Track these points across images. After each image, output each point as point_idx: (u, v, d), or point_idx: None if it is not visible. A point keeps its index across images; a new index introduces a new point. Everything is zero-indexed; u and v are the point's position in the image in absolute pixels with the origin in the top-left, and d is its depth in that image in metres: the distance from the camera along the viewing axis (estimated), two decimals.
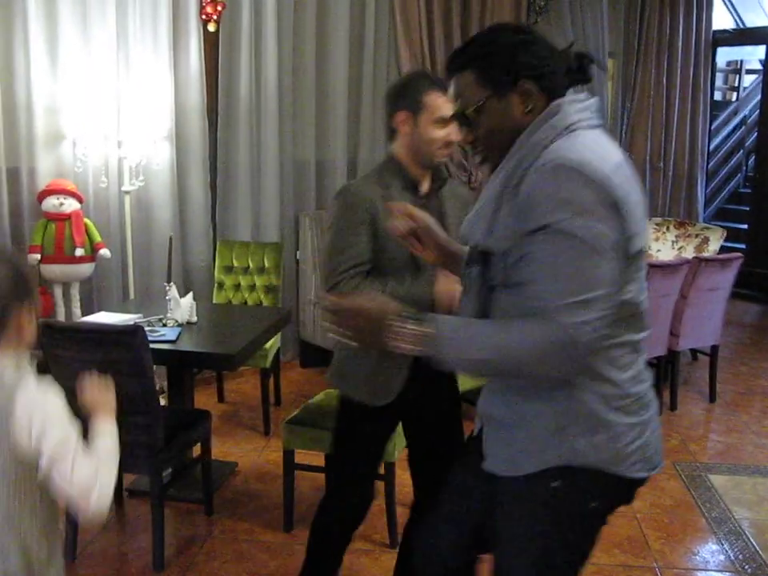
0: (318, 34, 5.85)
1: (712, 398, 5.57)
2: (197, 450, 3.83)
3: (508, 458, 1.83)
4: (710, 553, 3.63)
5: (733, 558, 3.56)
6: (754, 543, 3.67)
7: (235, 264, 5.14)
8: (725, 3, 10.34)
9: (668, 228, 6.71)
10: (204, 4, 5.14)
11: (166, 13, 5.00)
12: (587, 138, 1.71)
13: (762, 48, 9.41)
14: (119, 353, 3.08)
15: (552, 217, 1.59)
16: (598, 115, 1.79)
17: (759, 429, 5.11)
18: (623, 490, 1.84)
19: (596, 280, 1.59)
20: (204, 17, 5.17)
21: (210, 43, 5.32)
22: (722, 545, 3.67)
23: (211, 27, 5.22)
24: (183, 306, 3.87)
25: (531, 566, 1.83)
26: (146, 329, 3.66)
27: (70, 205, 4.61)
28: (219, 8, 5.17)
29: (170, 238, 4.11)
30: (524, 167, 1.70)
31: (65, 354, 3.15)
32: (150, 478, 3.32)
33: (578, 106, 1.76)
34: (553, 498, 1.77)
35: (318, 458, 3.90)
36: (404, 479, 3.85)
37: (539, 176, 1.63)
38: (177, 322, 3.82)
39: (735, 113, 11.23)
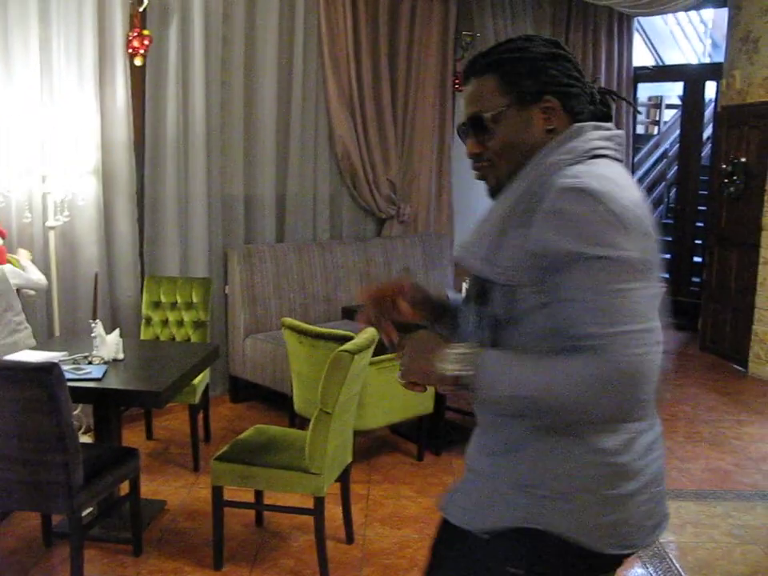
0: (246, 68, 5.88)
1: None
2: (125, 489, 3.77)
3: (467, 508, 1.70)
4: None
5: None
6: (677, 566, 3.75)
7: (163, 299, 5.10)
8: (645, 42, 10.69)
9: None
10: (130, 38, 5.13)
11: (91, 46, 4.96)
12: (610, 169, 1.58)
13: (680, 84, 9.73)
14: (34, 390, 3.02)
15: (583, 246, 1.46)
16: (621, 149, 1.67)
17: (683, 454, 5.23)
18: (585, 563, 1.62)
19: (643, 308, 1.47)
20: (131, 50, 5.16)
21: (137, 77, 5.31)
22: (647, 568, 3.74)
23: (138, 61, 5.20)
24: (109, 343, 3.83)
25: None
26: (72, 367, 3.64)
27: None
28: (146, 42, 5.16)
29: (96, 275, 4.08)
30: (537, 190, 1.56)
31: None
32: (68, 518, 3.24)
33: (602, 133, 1.64)
34: (493, 557, 1.64)
35: (247, 494, 3.89)
36: (333, 513, 3.86)
37: (562, 202, 1.49)
38: (103, 359, 3.78)
39: (657, 146, 11.56)
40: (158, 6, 5.31)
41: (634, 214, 1.50)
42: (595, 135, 1.62)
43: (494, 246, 1.60)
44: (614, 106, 1.74)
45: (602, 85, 8.03)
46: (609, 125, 1.67)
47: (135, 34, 5.12)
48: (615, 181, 1.53)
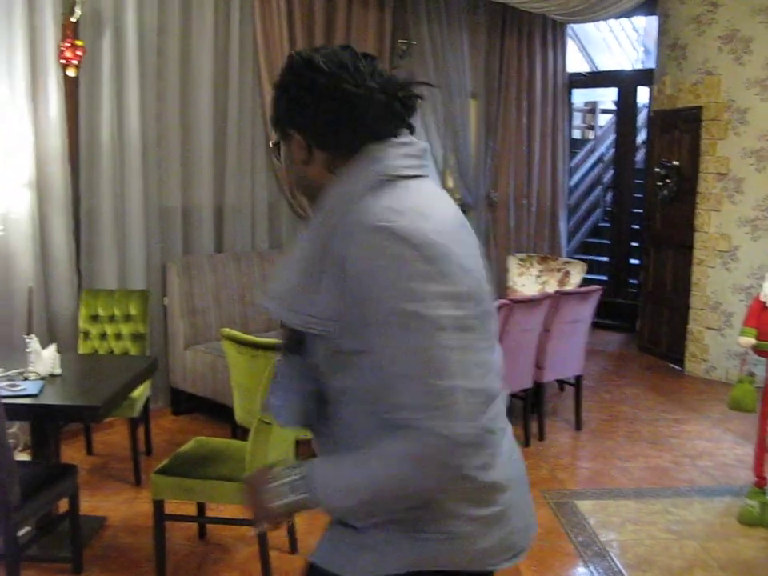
0: (181, 79, 5.84)
1: (578, 426, 5.77)
2: (64, 506, 3.71)
3: (344, 556, 1.58)
4: None
5: None
6: (617, 563, 3.83)
7: (101, 313, 5.03)
8: (579, 48, 10.87)
9: (532, 263, 6.94)
10: (63, 48, 5.06)
11: (21, 57, 4.87)
12: (415, 192, 1.49)
13: (614, 90, 9.91)
14: None
15: (393, 301, 1.37)
16: (424, 162, 1.56)
17: (623, 453, 5.32)
18: None
19: (465, 366, 1.39)
20: (63, 61, 5.09)
21: (71, 88, 5.23)
22: (588, 567, 3.81)
23: (71, 72, 5.13)
24: (45, 358, 3.77)
25: None
26: (7, 383, 3.57)
27: None
28: (79, 53, 5.09)
29: (30, 289, 4.02)
30: (335, 224, 1.46)
31: None
32: (3, 539, 3.18)
33: (400, 150, 1.52)
34: None
35: (190, 508, 3.86)
36: None
37: (358, 248, 1.39)
38: (39, 374, 3.72)
39: (593, 151, 11.75)
40: (91, 17, 5.24)
41: (442, 252, 1.41)
42: (391, 154, 1.51)
43: (298, 292, 1.49)
44: (416, 105, 1.57)
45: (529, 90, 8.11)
46: (406, 138, 1.56)
47: (68, 44, 5.05)
48: (421, 210, 1.45)
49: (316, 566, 1.63)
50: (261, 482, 1.53)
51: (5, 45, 4.84)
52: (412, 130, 1.58)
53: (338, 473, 1.47)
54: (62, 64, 5.10)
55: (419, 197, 1.49)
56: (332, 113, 1.51)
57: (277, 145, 1.64)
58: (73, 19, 5.06)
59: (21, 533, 3.31)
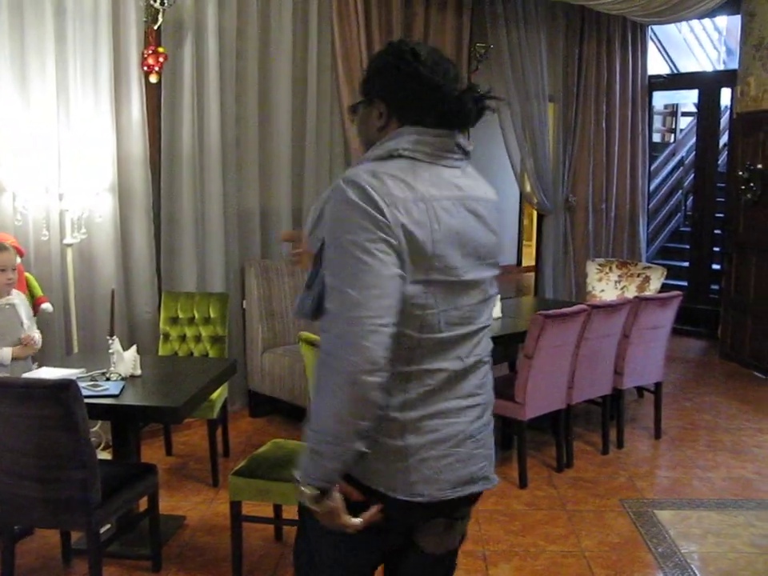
0: (260, 82, 5.91)
1: (657, 434, 5.65)
2: (144, 505, 3.77)
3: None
4: None
5: None
6: None
7: (180, 315, 5.12)
8: (659, 50, 10.67)
9: (611, 268, 6.83)
10: (146, 56, 5.16)
11: (106, 65, 5.01)
12: (395, 166, 1.79)
13: (695, 92, 9.69)
14: (51, 408, 3.04)
15: (329, 233, 1.73)
16: (432, 151, 1.84)
17: (704, 463, 5.19)
18: (394, 509, 1.82)
19: (368, 282, 1.65)
20: (146, 68, 5.19)
21: (153, 94, 5.34)
22: None
23: (153, 78, 5.24)
24: (126, 360, 3.84)
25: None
26: (89, 383, 3.65)
27: None
28: (161, 59, 5.19)
29: (113, 291, 4.09)
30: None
31: None
32: (86, 535, 3.25)
33: (417, 137, 1.83)
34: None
35: (266, 509, 3.89)
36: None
37: (334, 191, 1.75)
38: (120, 375, 3.79)
39: (673, 154, 11.53)
40: (173, 24, 5.35)
41: (391, 213, 1.69)
42: (406, 138, 1.83)
43: (314, 223, 1.87)
44: (471, 108, 1.86)
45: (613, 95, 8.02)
46: (434, 131, 1.85)
47: (150, 51, 5.16)
48: (402, 180, 1.74)
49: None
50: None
51: (91, 53, 4.96)
52: (461, 130, 1.91)
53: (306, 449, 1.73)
54: (144, 71, 5.21)
55: (408, 173, 1.78)
56: (423, 99, 1.85)
57: (355, 107, 1.98)
58: (155, 27, 5.17)
59: (102, 530, 3.38)
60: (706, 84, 9.33)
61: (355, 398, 1.63)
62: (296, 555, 2.05)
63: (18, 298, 4.12)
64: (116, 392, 3.58)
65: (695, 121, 10.48)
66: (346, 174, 1.75)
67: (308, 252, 1.96)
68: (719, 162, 9.65)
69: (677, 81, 10.24)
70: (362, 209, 1.68)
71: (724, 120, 9.72)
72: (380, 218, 1.68)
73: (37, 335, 4.13)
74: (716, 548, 4.03)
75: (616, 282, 6.75)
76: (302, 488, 1.72)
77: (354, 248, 1.66)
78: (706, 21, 10.85)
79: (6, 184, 4.72)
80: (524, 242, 12.37)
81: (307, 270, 1.95)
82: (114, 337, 3.86)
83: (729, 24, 11.08)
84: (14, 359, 3.96)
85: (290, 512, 3.95)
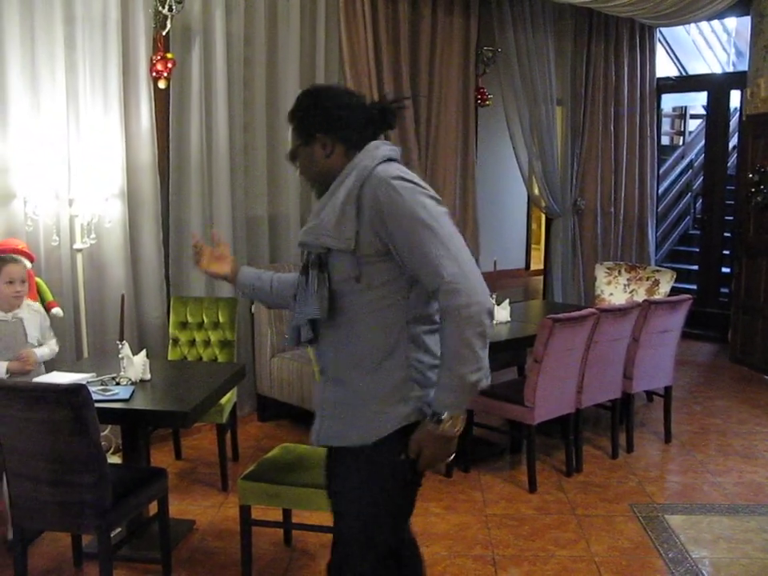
0: (268, 87, 5.92)
1: (667, 438, 5.63)
2: (154, 509, 3.78)
3: (345, 431, 2.33)
4: None
5: None
6: None
7: (189, 320, 5.13)
8: (668, 52, 10.65)
9: (620, 272, 6.81)
10: (154, 61, 5.18)
11: (116, 70, 5.03)
12: (399, 165, 2.29)
13: (704, 94, 9.67)
14: (62, 412, 3.05)
15: (410, 219, 2.14)
16: (399, 153, 2.36)
17: (714, 468, 5.17)
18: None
19: (457, 247, 2.16)
20: (154, 74, 5.21)
21: (161, 100, 5.36)
22: None
23: (162, 84, 5.25)
24: (136, 364, 3.86)
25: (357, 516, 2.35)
26: (99, 388, 3.66)
27: None
28: (170, 65, 5.21)
29: (122, 296, 4.09)
30: (359, 183, 2.20)
31: (7, 413, 3.13)
32: (97, 538, 3.26)
33: (387, 146, 2.32)
34: (373, 459, 2.29)
35: (275, 513, 3.89)
36: None
37: (383, 191, 2.16)
38: (130, 380, 3.80)
39: (682, 157, 11.50)
40: (181, 30, 5.37)
41: (427, 186, 2.24)
42: (384, 147, 2.30)
43: (336, 224, 2.22)
44: (394, 116, 2.38)
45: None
46: (388, 142, 2.39)
47: (159, 57, 5.18)
48: (408, 172, 2.25)
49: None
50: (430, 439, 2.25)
51: (100, 60, 4.99)
52: (386, 135, 2.58)
53: (443, 375, 2.18)
54: (153, 77, 5.23)
55: (403, 168, 2.29)
56: (355, 117, 2.31)
57: (293, 153, 2.40)
58: (164, 32, 5.19)
59: (113, 533, 3.39)
60: (715, 86, 9.31)
61: (486, 331, 2.11)
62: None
63: (28, 312, 4.10)
64: (126, 396, 3.59)
65: (704, 123, 10.44)
66: (378, 174, 2.19)
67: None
68: (729, 165, 9.62)
69: (685, 83, 10.23)
70: (422, 191, 2.19)
71: (733, 122, 9.69)
72: (435, 194, 2.22)
73: (40, 352, 4.08)
74: (728, 554, 4.01)
75: (625, 285, 6.73)
76: (461, 417, 2.23)
77: (443, 217, 2.17)
78: (715, 22, 10.83)
79: (16, 190, 4.73)
80: (532, 246, 12.34)
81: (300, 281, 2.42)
82: (124, 341, 3.87)
83: (738, 25, 11.05)
84: (11, 374, 3.92)
85: (299, 516, 3.96)
